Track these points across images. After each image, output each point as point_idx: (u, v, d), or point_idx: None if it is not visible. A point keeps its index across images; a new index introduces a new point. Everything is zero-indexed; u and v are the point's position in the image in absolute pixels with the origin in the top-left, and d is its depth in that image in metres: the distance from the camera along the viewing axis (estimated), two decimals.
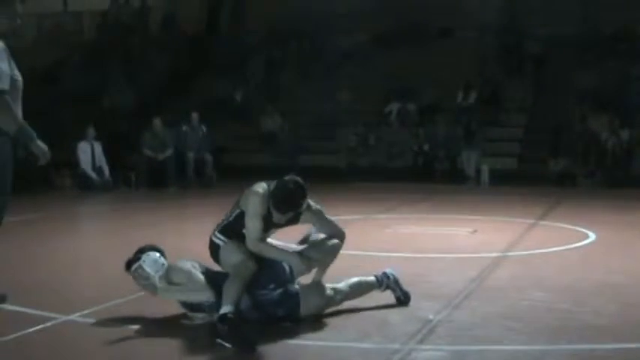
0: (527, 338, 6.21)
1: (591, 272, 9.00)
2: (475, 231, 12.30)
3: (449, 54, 25.51)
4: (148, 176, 20.38)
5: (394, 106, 24.22)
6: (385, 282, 7.20)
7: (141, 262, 6.65)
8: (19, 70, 7.28)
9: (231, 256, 6.60)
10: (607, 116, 21.63)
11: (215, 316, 6.22)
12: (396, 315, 6.85)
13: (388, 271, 7.29)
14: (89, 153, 19.87)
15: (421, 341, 6.09)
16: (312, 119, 24.47)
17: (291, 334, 6.28)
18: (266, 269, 6.59)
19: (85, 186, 19.58)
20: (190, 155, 20.55)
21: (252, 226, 6.65)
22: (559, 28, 25.61)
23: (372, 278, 7.20)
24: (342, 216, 13.70)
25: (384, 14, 27.11)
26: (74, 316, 6.66)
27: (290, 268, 6.67)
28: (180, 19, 29.78)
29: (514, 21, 26.53)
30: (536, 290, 7.88)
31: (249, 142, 24.44)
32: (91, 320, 6.56)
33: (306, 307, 6.60)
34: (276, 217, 6.65)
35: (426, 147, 22.56)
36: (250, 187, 6.79)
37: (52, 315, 6.63)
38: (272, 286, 6.55)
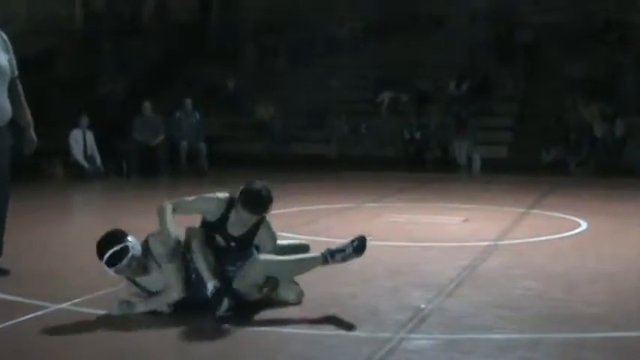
0: (519, 327, 6.22)
1: (583, 261, 9.02)
2: (467, 220, 12.31)
3: (441, 43, 25.55)
4: (139, 164, 20.35)
5: (386, 95, 24.22)
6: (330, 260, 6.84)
7: (132, 251, 6.36)
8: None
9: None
10: (598, 105, 21.66)
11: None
12: (387, 304, 6.85)
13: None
14: (81, 141, 19.83)
15: (412, 330, 6.10)
16: (304, 108, 24.46)
17: (283, 322, 6.29)
18: (239, 243, 6.73)
19: (76, 175, 19.54)
20: (184, 144, 20.51)
21: (188, 199, 6.84)
22: (550, 17, 25.64)
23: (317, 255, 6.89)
24: (333, 204, 13.73)
25: (376, 3, 27.12)
26: (66, 305, 6.65)
27: (257, 249, 6.76)
28: (172, 6, 29.72)
29: (505, 10, 26.53)
30: (528, 279, 7.89)
31: (242, 130, 24.41)
32: (83, 309, 6.55)
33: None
34: (238, 220, 6.68)
35: (417, 135, 22.58)
36: None
37: (44, 304, 6.62)
38: (239, 263, 6.66)
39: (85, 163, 19.69)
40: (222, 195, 6.80)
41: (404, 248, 9.85)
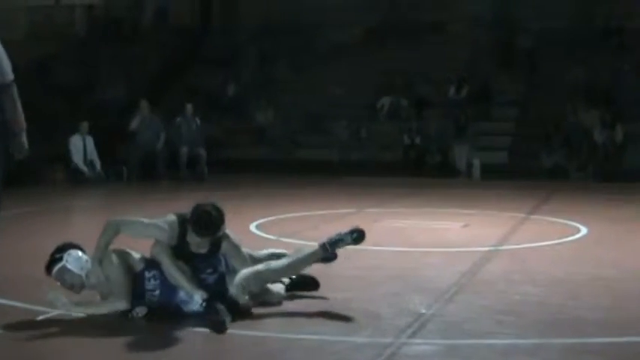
0: (519, 332, 6.21)
1: (583, 266, 9.01)
2: (466, 225, 12.31)
3: (441, 48, 25.55)
4: (139, 169, 20.39)
5: (386, 101, 24.24)
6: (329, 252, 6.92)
7: (64, 262, 6.55)
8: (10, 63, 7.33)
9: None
10: (598, 111, 21.68)
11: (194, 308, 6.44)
12: (387, 309, 6.84)
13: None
14: (81, 147, 19.85)
15: (413, 335, 6.09)
16: (304, 113, 24.47)
17: (282, 328, 6.28)
18: (205, 256, 6.69)
19: (76, 180, 19.55)
20: (184, 150, 20.52)
21: (140, 221, 6.78)
22: (550, 23, 25.66)
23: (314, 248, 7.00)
24: (333, 210, 13.72)
25: (376, 8, 27.15)
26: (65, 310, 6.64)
27: (225, 259, 6.74)
28: (172, 12, 29.75)
29: (506, 15, 26.55)
30: (528, 284, 7.88)
31: (242, 135, 24.41)
32: (83, 314, 6.53)
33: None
34: (195, 242, 6.64)
35: (417, 140, 22.59)
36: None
37: (44, 309, 6.60)
38: (209, 270, 6.66)
39: (84, 169, 19.71)
40: (171, 219, 6.72)
41: (404, 253, 9.84)
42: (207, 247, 6.70)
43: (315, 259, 6.88)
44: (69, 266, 6.54)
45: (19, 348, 5.80)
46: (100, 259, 6.53)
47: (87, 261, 6.59)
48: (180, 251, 6.66)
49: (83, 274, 6.54)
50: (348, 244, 6.82)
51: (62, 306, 6.36)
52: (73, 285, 6.57)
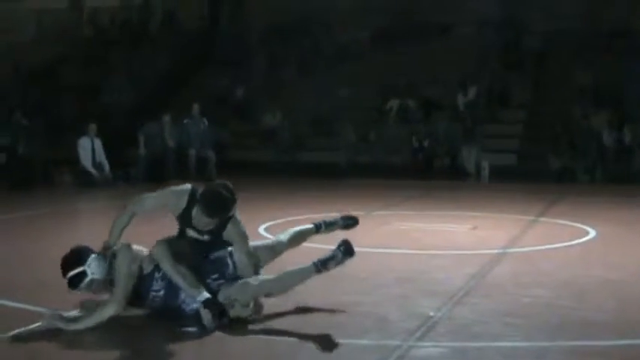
0: (528, 335, 6.22)
1: (591, 269, 9.01)
2: (475, 227, 12.30)
3: (449, 50, 25.55)
4: (147, 172, 20.36)
5: (394, 103, 24.22)
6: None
7: (90, 276, 6.41)
8: (19, 66, 7.40)
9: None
10: (607, 113, 21.65)
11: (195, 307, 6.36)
12: (395, 311, 6.85)
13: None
14: (89, 149, 19.83)
15: (421, 338, 6.10)
16: (312, 116, 24.48)
17: (290, 330, 6.29)
18: (212, 261, 6.65)
19: (85, 182, 19.54)
20: (192, 152, 20.50)
21: (148, 196, 6.81)
22: (559, 24, 25.64)
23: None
24: (342, 212, 13.71)
25: (384, 10, 27.15)
26: (75, 312, 6.64)
27: (234, 265, 6.64)
28: (181, 16, 29.80)
29: (514, 17, 26.54)
30: (537, 287, 7.88)
31: (250, 138, 24.44)
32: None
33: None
34: (201, 221, 6.56)
35: (426, 143, 22.57)
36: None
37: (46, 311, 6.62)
38: (215, 276, 6.59)
39: (93, 171, 19.70)
40: (184, 188, 6.71)
41: (412, 256, 9.85)
42: (212, 227, 6.64)
43: (306, 278, 6.70)
44: (97, 277, 6.42)
45: (34, 351, 5.82)
46: (114, 250, 6.48)
47: (105, 262, 6.49)
48: (184, 222, 6.63)
49: (107, 277, 6.46)
50: (341, 259, 6.65)
51: (58, 323, 6.22)
52: (99, 289, 6.51)
